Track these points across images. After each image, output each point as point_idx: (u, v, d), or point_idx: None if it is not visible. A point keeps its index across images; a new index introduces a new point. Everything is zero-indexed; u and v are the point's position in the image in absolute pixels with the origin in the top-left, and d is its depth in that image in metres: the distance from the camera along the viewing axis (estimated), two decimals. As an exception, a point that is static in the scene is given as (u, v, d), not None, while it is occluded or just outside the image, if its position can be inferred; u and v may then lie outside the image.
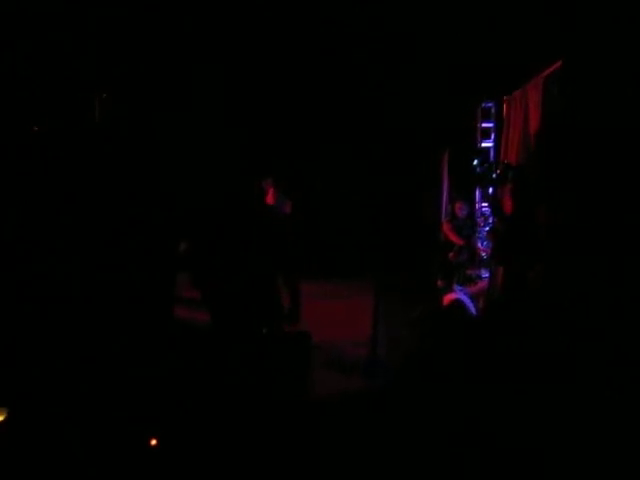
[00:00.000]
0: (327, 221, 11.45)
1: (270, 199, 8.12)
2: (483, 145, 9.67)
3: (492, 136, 9.52)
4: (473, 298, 7.64)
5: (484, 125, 9.68)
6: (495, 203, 6.68)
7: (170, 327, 6.44)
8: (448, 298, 7.61)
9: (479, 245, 8.62)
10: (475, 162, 7.00)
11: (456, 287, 7.85)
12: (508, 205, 6.95)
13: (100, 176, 7.59)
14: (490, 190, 8.52)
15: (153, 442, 3.45)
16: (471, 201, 9.12)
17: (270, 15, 9.89)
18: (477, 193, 9.61)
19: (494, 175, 6.58)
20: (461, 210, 8.49)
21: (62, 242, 6.37)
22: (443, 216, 9.42)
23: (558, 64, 6.16)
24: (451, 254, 8.39)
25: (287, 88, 10.83)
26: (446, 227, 8.63)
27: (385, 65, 10.63)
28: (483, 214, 9.23)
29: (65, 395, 4.02)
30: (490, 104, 9.54)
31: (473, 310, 7.39)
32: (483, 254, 8.42)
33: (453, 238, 8.45)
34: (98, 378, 4.44)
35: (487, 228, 8.67)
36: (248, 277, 6.40)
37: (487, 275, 7.91)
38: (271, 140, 10.51)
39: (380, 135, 11.08)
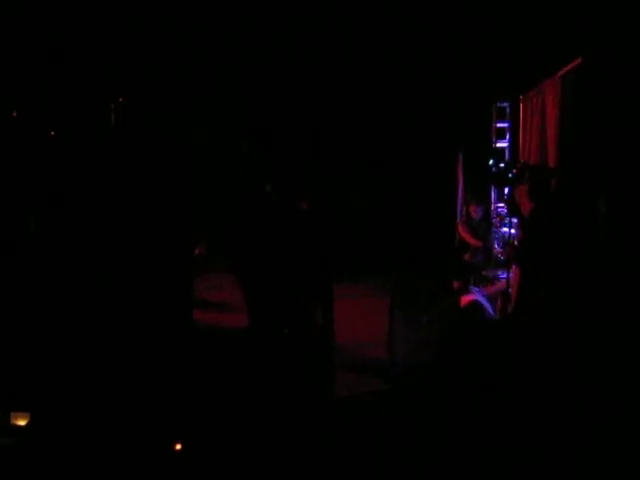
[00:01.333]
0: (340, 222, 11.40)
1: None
2: (498, 145, 9.62)
3: (507, 136, 9.47)
4: (490, 299, 7.59)
5: (499, 125, 9.63)
6: (511, 203, 6.62)
7: (189, 330, 6.45)
8: (465, 299, 7.57)
9: (495, 246, 8.56)
10: (491, 162, 6.95)
11: (473, 288, 7.80)
12: (525, 206, 6.90)
13: (115, 179, 7.61)
14: (506, 190, 8.47)
15: (177, 447, 3.45)
16: (486, 202, 9.06)
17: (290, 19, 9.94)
18: (493, 193, 9.56)
19: (510, 175, 6.52)
20: (476, 212, 8.46)
21: (76, 245, 6.39)
22: (458, 217, 9.37)
23: (576, 62, 6.11)
24: (467, 255, 8.35)
25: (300, 88, 10.83)
26: (461, 229, 8.59)
27: (399, 65, 10.62)
28: (499, 214, 9.18)
29: (83, 399, 4.03)
30: (505, 104, 9.49)
31: (491, 311, 7.35)
32: (500, 255, 8.37)
33: (469, 239, 8.41)
34: (116, 383, 4.44)
35: (504, 228, 8.61)
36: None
37: (504, 276, 7.86)
38: (281, 141, 10.51)
39: (393, 136, 11.07)
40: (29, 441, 3.60)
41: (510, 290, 7.27)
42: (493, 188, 9.42)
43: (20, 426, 3.69)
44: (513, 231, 7.00)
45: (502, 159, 8.61)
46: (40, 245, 7.06)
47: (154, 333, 5.65)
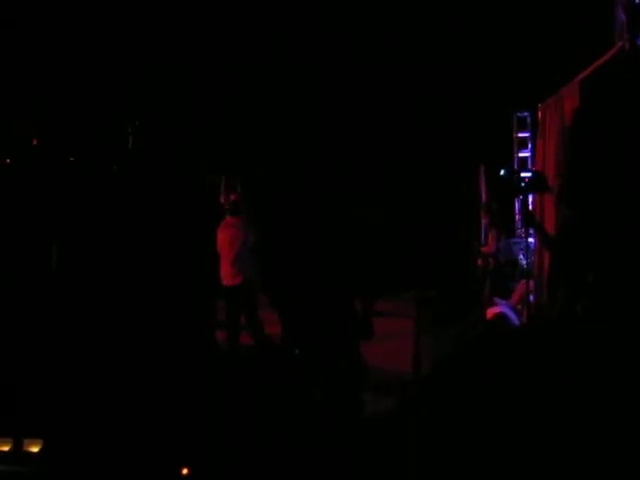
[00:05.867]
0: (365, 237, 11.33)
1: None
2: (520, 155, 9.53)
3: (529, 145, 9.37)
4: (515, 310, 7.47)
5: (520, 135, 9.54)
6: (526, 214, 6.50)
7: (210, 352, 6.40)
8: (491, 312, 7.46)
9: (520, 256, 8.45)
10: (502, 172, 6.88)
11: (498, 301, 7.68)
12: (551, 215, 6.76)
13: (135, 206, 7.63)
14: (522, 199, 8.39)
15: (184, 471, 3.38)
16: (493, 211, 9.04)
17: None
18: (517, 203, 9.43)
19: (522, 184, 6.42)
20: (484, 218, 8.70)
21: (98, 270, 6.40)
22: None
23: (594, 66, 6.00)
24: (479, 261, 8.46)
25: (318, 98, 10.82)
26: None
27: (419, 79, 10.58)
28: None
29: (101, 425, 3.99)
30: (525, 113, 9.40)
31: (516, 322, 7.21)
32: (524, 264, 8.26)
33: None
34: (136, 407, 4.40)
35: (530, 239, 8.51)
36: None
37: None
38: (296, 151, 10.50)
39: (414, 148, 10.99)
40: (42, 468, 3.56)
41: (531, 297, 7.16)
42: (516, 198, 9.31)
43: (33, 453, 3.66)
44: (531, 239, 7.00)
45: (513, 168, 8.65)
46: (63, 272, 7.09)
47: (177, 354, 5.61)
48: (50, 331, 5.22)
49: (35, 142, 8.38)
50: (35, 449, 3.68)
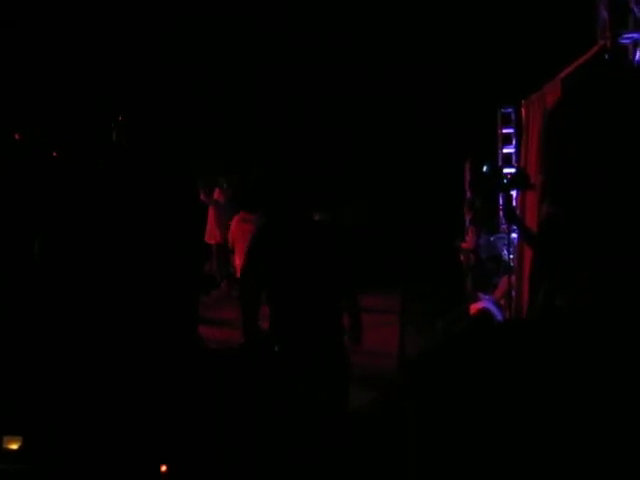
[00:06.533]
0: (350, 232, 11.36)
1: None
2: (505, 151, 9.57)
3: (513, 142, 9.41)
4: (499, 305, 7.53)
5: (504, 131, 9.58)
6: (508, 211, 6.52)
7: (193, 348, 6.39)
8: (475, 307, 7.50)
9: (504, 252, 8.50)
10: (485, 168, 6.93)
11: (482, 296, 7.73)
12: (532, 212, 6.80)
13: (118, 197, 7.58)
14: (508, 196, 8.42)
15: (163, 469, 3.38)
16: (474, 209, 9.11)
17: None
18: (501, 199, 9.48)
19: (505, 180, 6.45)
20: (467, 215, 8.85)
21: (81, 266, 6.37)
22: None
23: (576, 64, 6.02)
24: (462, 257, 8.56)
25: (304, 91, 10.84)
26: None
27: (404, 73, 10.60)
28: (507, 221, 9.13)
29: (80, 419, 3.98)
30: (509, 109, 9.43)
31: (500, 317, 7.26)
32: (510, 261, 8.30)
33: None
34: (115, 404, 4.39)
35: (514, 235, 8.56)
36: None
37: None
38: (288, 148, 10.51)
39: (399, 144, 11.03)
40: (21, 466, 3.54)
41: (513, 292, 7.21)
42: (500, 195, 9.36)
43: (12, 450, 3.64)
44: (514, 235, 7.07)
45: (496, 165, 8.71)
46: (45, 268, 7.04)
47: (157, 351, 5.59)
48: (28, 326, 5.20)
49: (18, 137, 8.33)
50: (15, 446, 3.67)
